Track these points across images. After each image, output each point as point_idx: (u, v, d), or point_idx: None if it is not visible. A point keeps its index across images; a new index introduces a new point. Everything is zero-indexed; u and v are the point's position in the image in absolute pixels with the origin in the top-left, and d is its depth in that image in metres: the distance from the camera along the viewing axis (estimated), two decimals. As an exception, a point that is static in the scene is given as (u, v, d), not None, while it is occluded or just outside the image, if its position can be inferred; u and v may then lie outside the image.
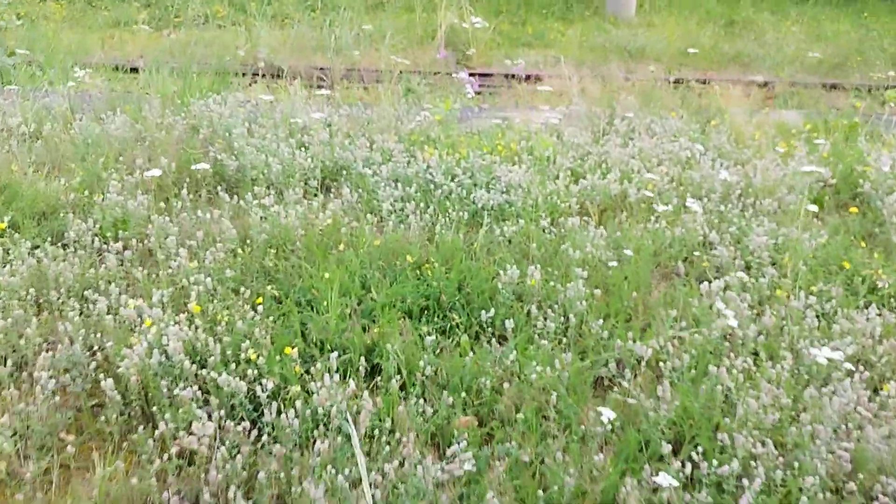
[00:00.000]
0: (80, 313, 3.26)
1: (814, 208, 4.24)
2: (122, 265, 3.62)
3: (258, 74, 9.28)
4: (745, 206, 4.29)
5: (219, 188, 4.31)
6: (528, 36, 11.26)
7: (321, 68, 9.41)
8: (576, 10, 12.38)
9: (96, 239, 3.78)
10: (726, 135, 5.12)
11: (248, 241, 3.76)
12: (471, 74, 9.65)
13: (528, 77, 9.58)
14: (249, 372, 2.89)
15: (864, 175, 4.73)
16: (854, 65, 10.63)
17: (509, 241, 3.86)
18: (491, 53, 10.78)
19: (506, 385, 2.95)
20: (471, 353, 3.16)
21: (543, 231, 3.90)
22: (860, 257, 3.95)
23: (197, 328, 3.07)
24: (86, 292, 3.35)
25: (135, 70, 8.78)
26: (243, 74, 9.23)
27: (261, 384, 2.81)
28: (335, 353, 2.94)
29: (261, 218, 3.84)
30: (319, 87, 9.11)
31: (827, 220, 4.34)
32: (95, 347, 3.08)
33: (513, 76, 9.65)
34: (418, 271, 3.59)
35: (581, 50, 10.77)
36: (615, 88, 8.62)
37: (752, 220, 4.12)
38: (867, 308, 3.53)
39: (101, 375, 2.93)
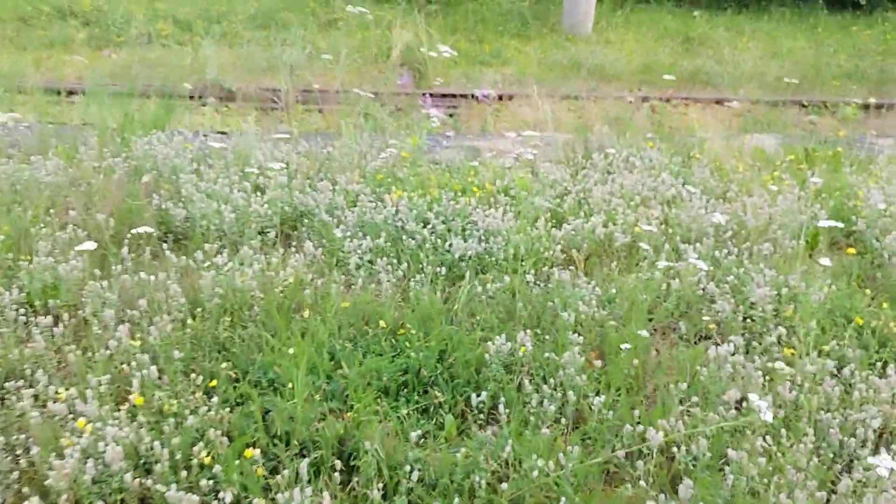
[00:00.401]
0: (1, 405, 2.76)
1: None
2: (52, 342, 3.12)
3: (207, 97, 8.74)
4: (741, 251, 3.97)
5: (165, 244, 3.82)
6: (485, 54, 10.91)
7: (274, 90, 8.91)
8: (532, 27, 12.10)
9: (22, 311, 3.27)
10: (709, 167, 4.80)
11: (199, 308, 3.29)
12: (430, 95, 9.27)
13: (489, 96, 9.22)
14: (203, 482, 2.44)
15: (856, 211, 4.46)
16: (811, 81, 10.53)
17: (492, 298, 3.46)
18: (449, 73, 10.40)
19: (503, 485, 2.55)
20: (459, 440, 2.75)
21: (529, 286, 3.51)
22: (865, 305, 3.65)
23: (140, 426, 2.60)
24: (7, 383, 2.84)
25: (73, 93, 8.17)
26: (191, 97, 8.68)
27: (217, 498, 2.36)
28: (305, 459, 2.50)
29: (213, 278, 3.38)
30: (273, 108, 8.63)
31: (823, 263, 4.05)
32: (19, 451, 2.59)
33: (474, 97, 9.29)
34: (393, 339, 3.17)
35: (540, 68, 10.46)
36: (585, 114, 8.32)
37: (749, 267, 3.80)
38: (883, 367, 3.22)
39: (26, 488, 2.44)
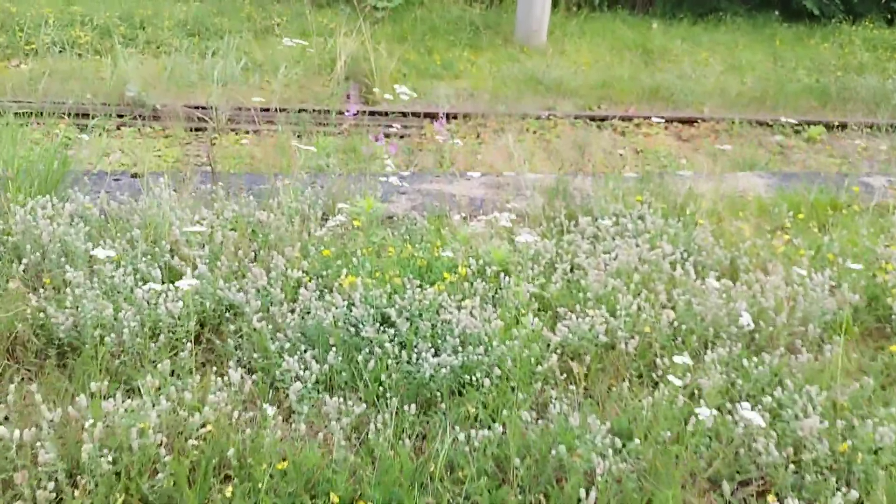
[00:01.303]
0: None
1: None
2: None
3: (126, 117, 7.66)
4: (767, 352, 3.21)
5: (46, 358, 2.87)
6: (435, 66, 10.04)
7: (202, 108, 7.87)
8: (484, 37, 11.29)
9: None
10: (710, 229, 4.03)
11: (81, 475, 2.36)
12: (377, 113, 8.35)
13: (446, 116, 8.35)
14: None
15: (888, 290, 3.75)
16: (774, 97, 9.96)
17: (476, 450, 2.61)
18: (397, 85, 9.47)
19: None
20: None
21: (524, 424, 2.68)
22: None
23: None
24: None
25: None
26: (108, 116, 7.58)
27: None
28: None
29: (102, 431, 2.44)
30: (199, 129, 7.59)
31: (862, 362, 3.32)
32: None
33: (427, 115, 8.41)
34: (349, 521, 2.31)
35: (494, 82, 9.65)
36: (547, 137, 7.53)
37: (783, 376, 3.04)
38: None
39: None
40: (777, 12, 13.64)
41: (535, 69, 10.02)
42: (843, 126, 9.43)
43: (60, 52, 8.74)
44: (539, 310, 3.21)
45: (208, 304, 3.09)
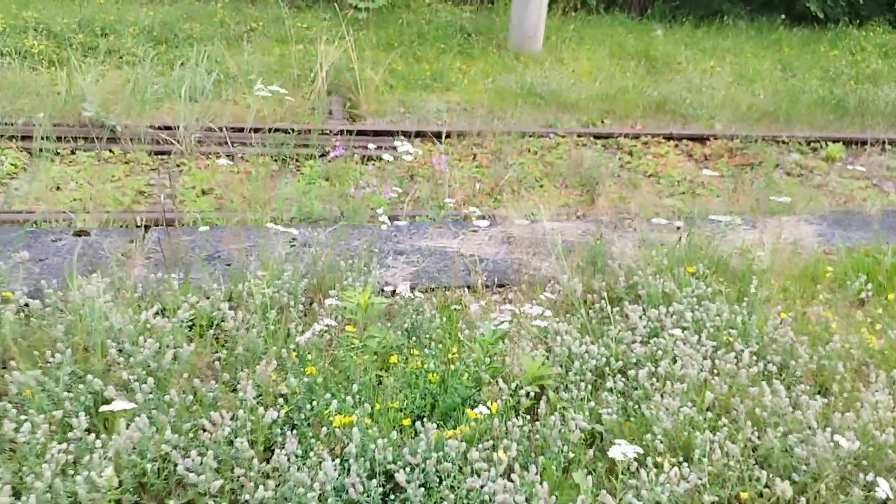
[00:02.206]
0: None
1: None
2: None
3: (82, 139, 6.80)
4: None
5: None
6: (425, 77, 9.23)
7: (169, 128, 7.02)
8: (476, 43, 10.49)
9: None
10: (785, 320, 3.25)
11: None
12: (363, 133, 7.53)
13: (437, 135, 7.56)
14: None
15: None
16: (786, 111, 9.25)
17: None
18: (384, 99, 8.69)
19: None
20: None
21: None
22: None
23: None
24: None
25: None
26: (60, 139, 6.73)
27: None
28: None
29: None
30: (165, 153, 6.74)
31: None
32: None
33: (418, 134, 7.61)
34: None
35: (489, 95, 8.87)
36: (550, 158, 6.74)
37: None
38: None
39: None
40: (783, 15, 12.94)
41: (533, 80, 9.24)
42: (863, 142, 8.76)
43: (10, 64, 7.83)
44: (590, 443, 2.44)
45: (150, 466, 2.25)
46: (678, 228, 4.24)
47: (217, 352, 2.63)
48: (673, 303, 3.13)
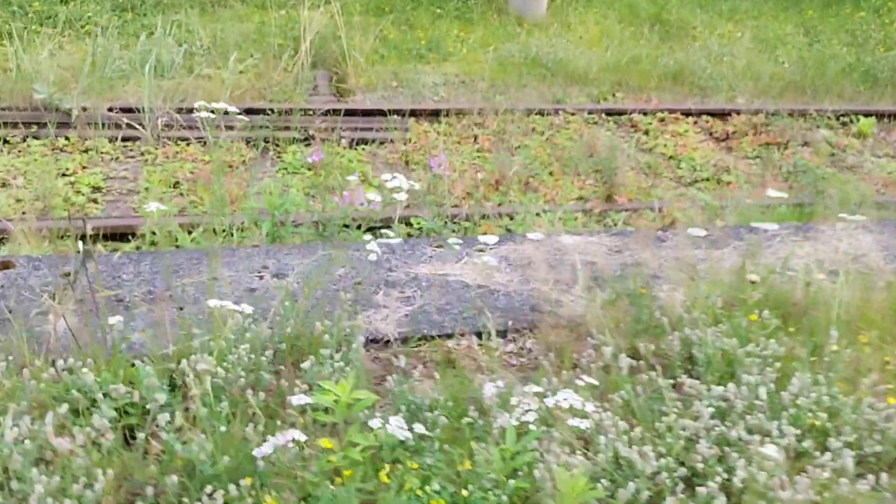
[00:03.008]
0: None
1: None
2: None
3: (34, 125, 6.06)
4: None
5: None
6: (419, 46, 8.45)
7: (133, 110, 6.28)
8: (475, 8, 9.69)
9: None
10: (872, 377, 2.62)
11: None
12: (352, 112, 6.80)
13: (435, 113, 6.84)
14: None
15: None
16: (812, 80, 8.51)
17: None
18: (374, 72, 7.93)
19: None
20: None
21: None
22: None
23: None
24: None
25: None
26: (7, 125, 5.99)
27: None
28: None
29: None
30: (129, 139, 6.02)
31: None
32: None
33: (413, 113, 6.88)
34: None
35: (490, 67, 8.08)
36: (555, 140, 6.02)
37: None
38: None
39: None
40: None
41: (537, 49, 8.48)
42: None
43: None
44: None
45: None
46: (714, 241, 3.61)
47: (148, 468, 1.97)
48: (739, 371, 2.48)
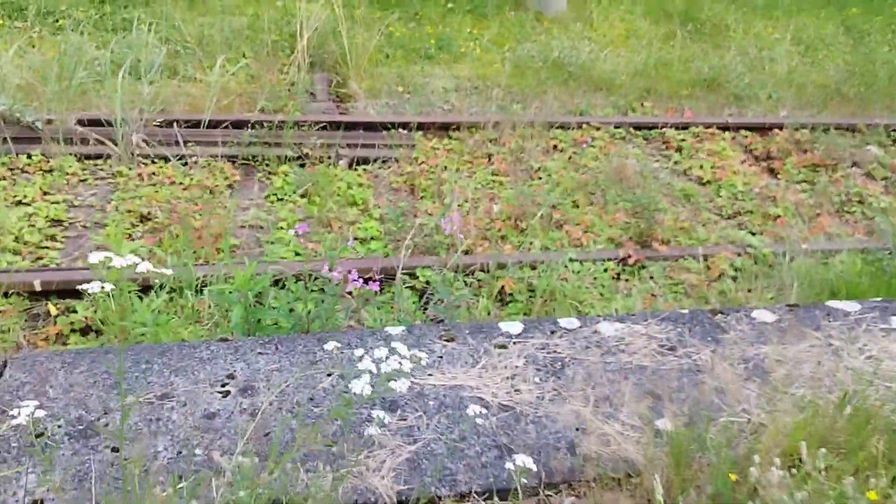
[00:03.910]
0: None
1: None
2: None
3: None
4: None
5: None
6: (429, 45, 7.70)
7: (105, 123, 5.60)
8: (490, 1, 8.85)
9: None
10: None
11: None
12: (352, 125, 6.10)
13: (445, 127, 6.15)
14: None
15: None
16: (858, 90, 7.77)
17: None
18: (378, 74, 7.22)
19: None
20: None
21: None
22: None
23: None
24: None
25: None
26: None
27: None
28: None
29: None
30: (100, 156, 5.35)
31: None
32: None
33: (421, 126, 6.19)
34: None
35: (505, 70, 7.34)
36: (580, 165, 5.30)
37: None
38: None
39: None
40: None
41: (558, 51, 7.72)
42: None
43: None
44: None
45: None
46: (782, 323, 2.95)
47: None
48: None
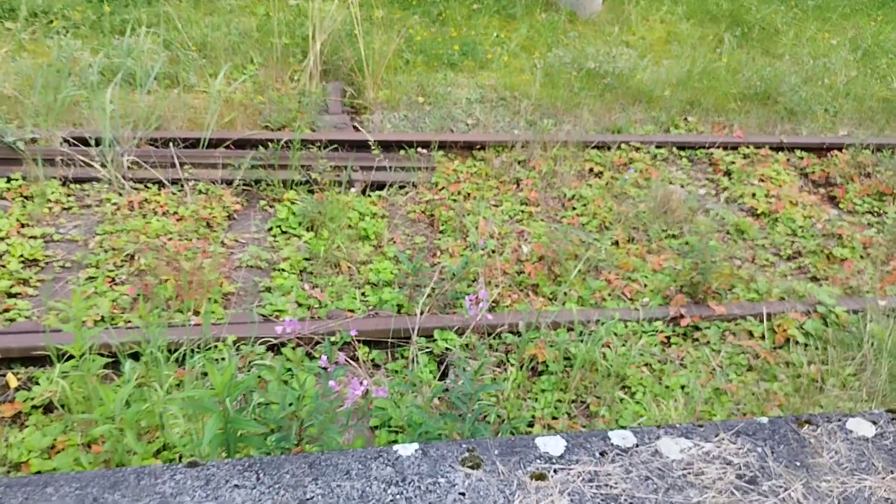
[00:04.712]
0: None
1: None
2: None
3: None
4: None
5: None
6: (452, 50, 7.09)
7: (93, 142, 5.08)
8: (519, 1, 8.18)
9: None
10: None
11: None
12: (365, 145, 5.54)
13: (468, 146, 5.58)
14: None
15: None
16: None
17: None
18: (397, 83, 6.64)
19: None
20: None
21: None
22: None
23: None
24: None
25: None
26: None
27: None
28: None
29: None
30: (86, 180, 4.85)
31: None
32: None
33: (442, 145, 5.62)
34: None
35: (535, 79, 6.73)
36: (614, 195, 4.72)
37: None
38: None
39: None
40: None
41: (593, 57, 7.08)
42: None
43: None
44: None
45: None
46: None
47: None
48: None
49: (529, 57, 7.22)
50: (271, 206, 5.01)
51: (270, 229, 4.78)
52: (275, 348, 3.56)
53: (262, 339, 3.54)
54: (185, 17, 6.96)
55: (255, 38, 6.95)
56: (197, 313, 3.85)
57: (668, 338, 3.87)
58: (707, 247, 4.08)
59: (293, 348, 3.52)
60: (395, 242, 4.74)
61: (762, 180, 5.86)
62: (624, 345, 3.72)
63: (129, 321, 3.67)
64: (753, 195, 5.62)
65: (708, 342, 3.83)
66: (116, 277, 4.11)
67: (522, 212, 5.14)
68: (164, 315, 3.77)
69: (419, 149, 5.71)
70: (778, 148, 6.26)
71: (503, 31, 7.73)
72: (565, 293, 4.19)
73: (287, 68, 6.67)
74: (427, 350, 3.64)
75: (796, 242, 5.10)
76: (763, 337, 3.85)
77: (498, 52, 7.26)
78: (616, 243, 4.85)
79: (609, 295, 4.21)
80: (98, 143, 5.06)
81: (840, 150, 6.31)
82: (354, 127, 6.20)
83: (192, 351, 3.40)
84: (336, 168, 5.30)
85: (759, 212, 5.44)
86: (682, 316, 3.89)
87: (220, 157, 5.23)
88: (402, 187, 5.35)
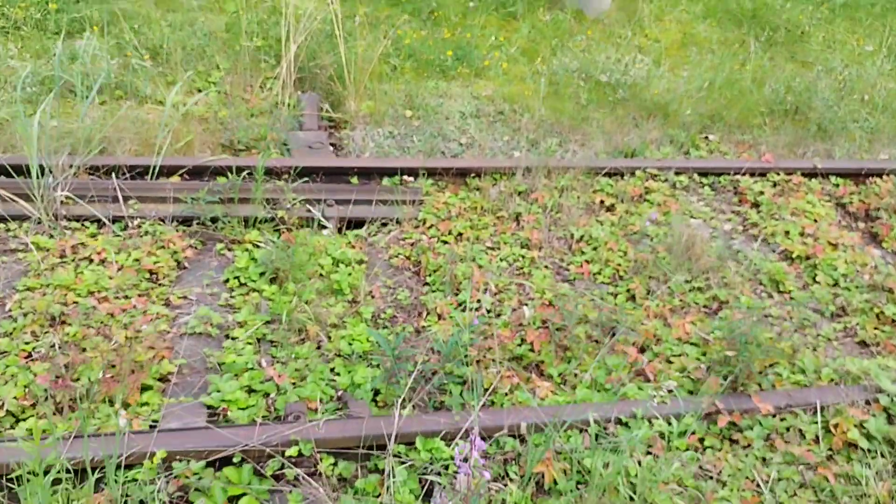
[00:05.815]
0: None
1: None
2: None
3: None
4: None
5: None
6: (444, 55, 6.35)
7: (24, 170, 4.37)
8: (520, -2, 7.45)
9: None
10: None
11: None
12: (342, 172, 4.85)
13: (462, 173, 4.88)
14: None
15: None
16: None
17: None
18: (382, 92, 5.92)
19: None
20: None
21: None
22: None
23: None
24: None
25: None
26: None
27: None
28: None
29: None
30: (14, 218, 4.14)
31: None
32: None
33: (430, 172, 4.94)
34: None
35: (538, 90, 6.00)
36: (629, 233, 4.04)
37: None
38: None
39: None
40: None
41: (603, 65, 6.34)
42: None
43: None
44: None
45: None
46: None
47: None
48: None
49: (531, 63, 6.48)
50: (230, 250, 4.30)
51: (227, 281, 4.07)
52: (216, 463, 2.87)
53: (203, 451, 2.85)
54: (144, 14, 6.19)
55: (222, 40, 6.19)
56: (127, 406, 3.16)
57: (702, 439, 3.20)
58: (750, 327, 3.38)
59: (237, 464, 2.84)
60: (373, 297, 4.04)
61: (794, 214, 5.16)
62: (649, 453, 3.04)
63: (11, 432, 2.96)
64: (787, 233, 4.93)
65: (749, 445, 3.16)
66: (34, 351, 3.41)
67: (523, 257, 4.44)
68: (83, 409, 3.07)
69: (405, 177, 5.00)
70: (811, 174, 5.57)
71: (502, 31, 6.97)
72: (576, 374, 3.50)
73: (258, 75, 5.92)
74: (408, 462, 2.95)
75: (839, 296, 4.42)
76: (817, 440, 3.18)
77: (496, 58, 6.51)
78: (633, 296, 4.17)
79: (628, 372, 3.53)
80: (27, 172, 4.33)
81: (881, 176, 5.62)
82: (332, 144, 5.48)
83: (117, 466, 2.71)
84: (308, 201, 4.59)
85: (794, 255, 4.76)
86: (718, 411, 3.21)
87: (172, 189, 4.50)
88: (384, 224, 4.65)
